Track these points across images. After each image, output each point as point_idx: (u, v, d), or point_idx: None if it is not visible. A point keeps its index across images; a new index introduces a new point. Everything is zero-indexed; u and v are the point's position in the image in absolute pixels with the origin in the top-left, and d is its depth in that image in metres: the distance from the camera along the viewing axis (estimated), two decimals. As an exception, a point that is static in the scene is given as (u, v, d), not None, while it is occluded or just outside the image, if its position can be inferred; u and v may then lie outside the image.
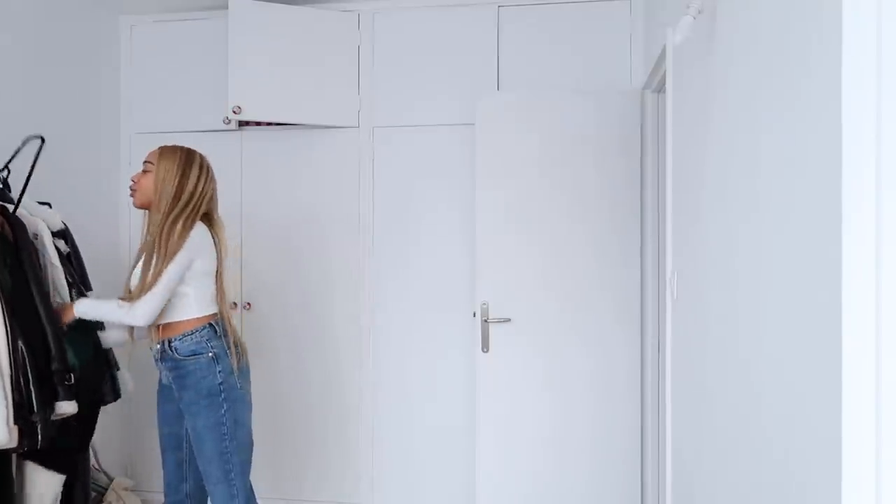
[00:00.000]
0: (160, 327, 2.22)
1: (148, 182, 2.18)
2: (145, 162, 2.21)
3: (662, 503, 2.70)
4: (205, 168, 2.24)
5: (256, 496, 2.33)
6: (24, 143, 2.33)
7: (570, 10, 3.14)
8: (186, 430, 2.29)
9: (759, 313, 1.30)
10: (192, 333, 2.18)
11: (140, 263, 2.17)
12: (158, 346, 2.23)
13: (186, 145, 2.21)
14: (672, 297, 2.13)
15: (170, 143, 2.27)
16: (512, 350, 2.98)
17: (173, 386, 2.22)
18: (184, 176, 2.17)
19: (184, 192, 2.16)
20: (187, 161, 2.20)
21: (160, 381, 2.35)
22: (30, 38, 2.91)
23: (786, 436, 1.15)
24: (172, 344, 2.19)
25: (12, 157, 2.34)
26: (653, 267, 2.93)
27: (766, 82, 1.26)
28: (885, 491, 0.87)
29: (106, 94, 3.39)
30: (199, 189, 2.19)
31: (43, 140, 2.31)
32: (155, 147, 2.27)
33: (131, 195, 2.23)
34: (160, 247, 2.11)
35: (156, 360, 2.27)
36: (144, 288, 2.10)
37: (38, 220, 2.33)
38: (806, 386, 1.05)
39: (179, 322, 2.20)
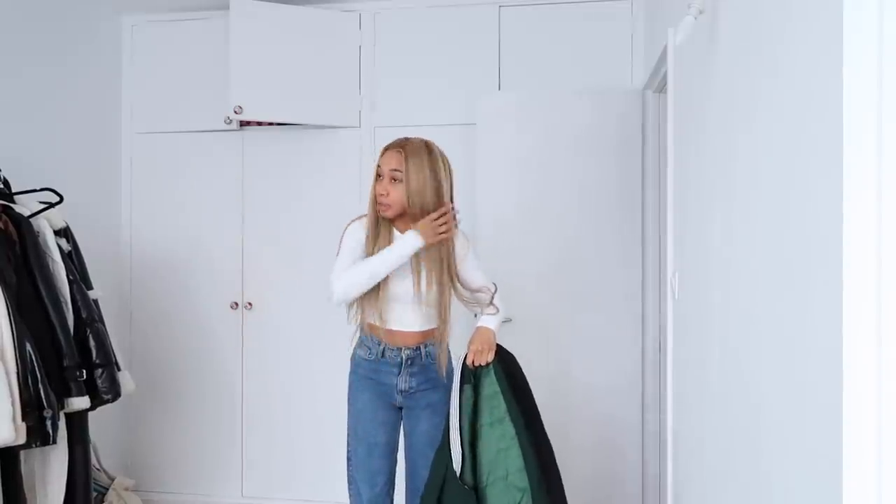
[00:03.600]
0: (423, 334, 2.19)
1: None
2: (393, 170, 2.09)
3: (663, 502, 2.70)
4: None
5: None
6: None
7: (571, 9, 3.14)
8: (405, 434, 2.26)
9: (760, 312, 1.30)
10: (433, 338, 2.21)
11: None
12: (411, 350, 2.17)
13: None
14: (673, 297, 2.13)
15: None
16: (513, 350, 2.97)
17: (415, 388, 2.18)
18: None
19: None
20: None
21: (374, 388, 2.21)
22: (31, 38, 2.91)
23: (787, 434, 1.15)
24: (427, 348, 2.19)
25: None
26: (654, 266, 2.93)
27: (767, 82, 1.26)
28: (885, 492, 0.87)
29: (107, 94, 3.39)
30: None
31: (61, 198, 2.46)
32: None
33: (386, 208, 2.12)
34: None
35: (398, 365, 2.17)
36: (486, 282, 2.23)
37: (41, 218, 2.35)
38: (807, 384, 1.05)
39: (434, 328, 2.21)
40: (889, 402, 0.86)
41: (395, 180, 2.09)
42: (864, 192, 0.87)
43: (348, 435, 2.28)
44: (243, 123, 3.34)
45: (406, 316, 2.16)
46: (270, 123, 3.30)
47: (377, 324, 2.16)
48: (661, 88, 2.73)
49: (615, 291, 2.94)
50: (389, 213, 2.12)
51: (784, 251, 1.16)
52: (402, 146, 2.12)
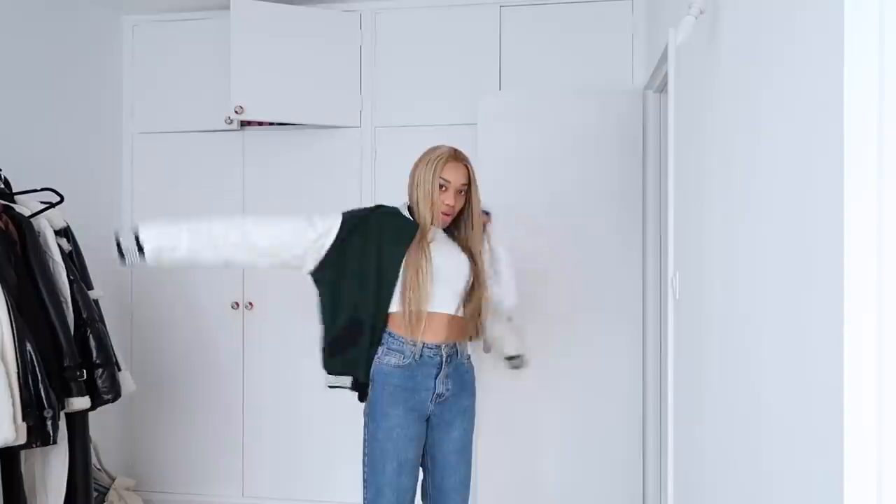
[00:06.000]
0: (462, 322, 2.16)
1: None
2: (463, 184, 2.13)
3: (664, 502, 2.70)
4: None
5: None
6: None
7: (572, 9, 3.14)
8: (430, 445, 2.18)
9: (760, 313, 1.29)
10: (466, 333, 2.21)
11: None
12: (449, 347, 2.12)
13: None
14: (674, 297, 2.13)
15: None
16: (513, 350, 2.97)
17: (449, 392, 2.12)
18: None
19: None
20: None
21: (407, 400, 2.07)
22: (32, 38, 2.91)
23: (787, 435, 1.15)
24: (462, 345, 2.17)
25: None
26: (654, 266, 2.93)
27: (768, 82, 1.26)
28: (885, 493, 0.86)
29: (108, 94, 3.39)
30: None
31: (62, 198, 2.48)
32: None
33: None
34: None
35: (437, 365, 2.09)
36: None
37: (42, 218, 2.35)
38: (807, 385, 1.05)
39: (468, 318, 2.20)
40: (889, 403, 0.86)
41: (461, 193, 2.13)
42: (865, 191, 0.87)
43: (369, 454, 2.09)
44: (244, 123, 3.34)
45: (448, 299, 2.12)
46: (271, 123, 3.30)
47: (419, 312, 2.05)
48: (662, 88, 2.73)
49: (615, 291, 2.94)
50: (449, 221, 2.16)
51: (785, 251, 1.16)
52: (465, 160, 2.16)
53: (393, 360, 2.07)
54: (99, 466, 3.00)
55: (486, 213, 2.27)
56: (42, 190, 2.50)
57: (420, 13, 3.25)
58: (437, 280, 2.07)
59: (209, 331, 3.40)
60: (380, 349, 2.09)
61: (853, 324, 0.88)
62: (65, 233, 2.50)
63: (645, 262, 2.94)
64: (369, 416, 2.10)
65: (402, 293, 2.05)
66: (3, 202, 2.29)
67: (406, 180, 2.20)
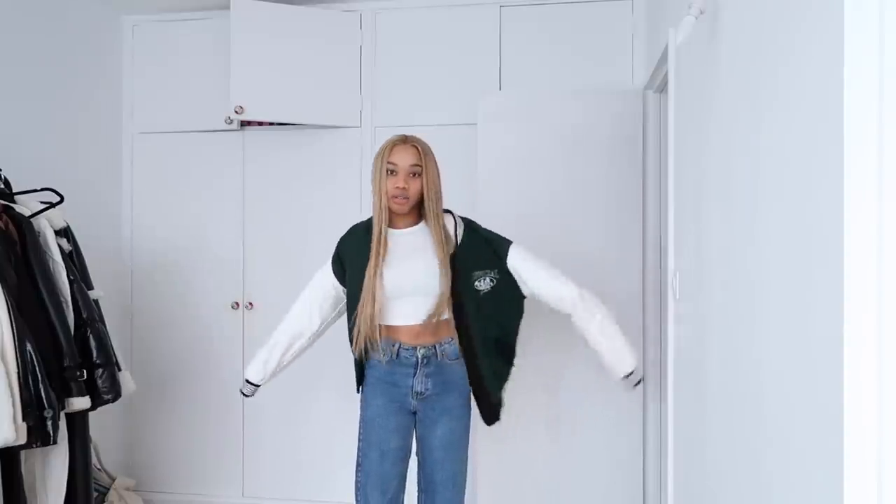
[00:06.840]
0: (438, 325, 2.15)
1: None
2: (413, 165, 2.08)
3: (664, 502, 2.70)
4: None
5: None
6: None
7: (571, 9, 3.14)
8: (419, 439, 2.23)
9: (760, 312, 1.29)
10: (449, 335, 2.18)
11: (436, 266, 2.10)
12: (426, 349, 2.14)
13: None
14: (674, 297, 2.13)
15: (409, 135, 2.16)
16: (513, 350, 2.97)
17: (431, 392, 2.15)
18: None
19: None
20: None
21: (388, 393, 2.17)
22: (31, 38, 2.91)
23: (787, 435, 1.15)
24: (443, 347, 2.16)
25: None
26: (654, 266, 2.93)
27: (768, 82, 1.26)
28: (885, 494, 0.86)
29: (108, 94, 3.39)
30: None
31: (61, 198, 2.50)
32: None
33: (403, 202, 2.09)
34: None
35: (413, 365, 2.14)
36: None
37: (42, 218, 2.35)
38: (807, 385, 1.05)
39: (448, 320, 2.17)
40: (890, 403, 0.86)
41: (413, 175, 2.08)
42: (866, 191, 0.87)
43: (361, 440, 2.21)
44: (244, 123, 3.34)
45: (417, 310, 2.12)
46: (271, 123, 3.30)
47: (363, 330, 2.11)
48: (662, 88, 2.73)
49: (615, 291, 2.93)
50: (406, 208, 2.11)
51: (786, 251, 1.16)
52: (414, 142, 2.13)
53: (377, 355, 2.17)
54: (99, 466, 3.00)
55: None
56: (42, 190, 2.50)
57: (420, 13, 3.25)
58: (393, 296, 2.11)
59: (209, 331, 3.40)
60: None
61: (853, 323, 0.88)
62: (65, 233, 2.50)
63: (645, 262, 2.94)
64: (360, 407, 2.23)
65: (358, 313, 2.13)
66: (3, 202, 2.29)
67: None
